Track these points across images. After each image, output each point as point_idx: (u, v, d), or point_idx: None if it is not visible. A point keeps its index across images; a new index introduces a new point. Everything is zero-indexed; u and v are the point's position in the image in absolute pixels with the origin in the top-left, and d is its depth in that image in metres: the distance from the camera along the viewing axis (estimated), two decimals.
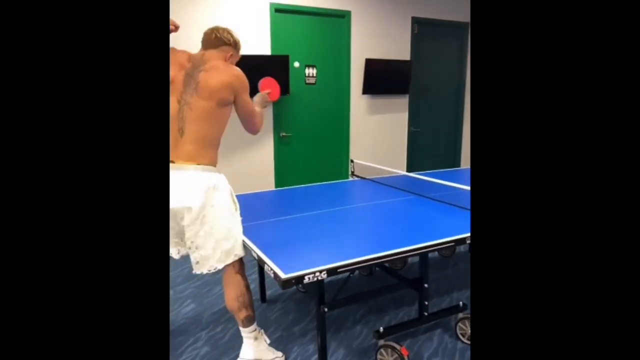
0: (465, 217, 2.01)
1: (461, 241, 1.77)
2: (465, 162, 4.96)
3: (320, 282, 1.73)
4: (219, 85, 1.65)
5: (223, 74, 1.67)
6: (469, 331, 2.09)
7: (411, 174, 2.85)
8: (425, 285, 1.99)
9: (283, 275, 1.40)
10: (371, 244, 1.69)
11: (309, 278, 1.43)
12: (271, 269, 1.47)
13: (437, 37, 4.48)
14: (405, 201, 2.36)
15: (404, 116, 4.41)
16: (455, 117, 4.82)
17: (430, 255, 3.24)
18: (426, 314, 2.02)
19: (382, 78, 4.06)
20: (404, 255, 1.65)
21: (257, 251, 1.63)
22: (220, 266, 1.71)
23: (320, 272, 1.45)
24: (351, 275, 1.69)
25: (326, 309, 1.75)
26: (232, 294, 1.76)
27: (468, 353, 2.02)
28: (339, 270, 1.50)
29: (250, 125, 1.87)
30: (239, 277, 1.77)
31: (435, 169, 3.84)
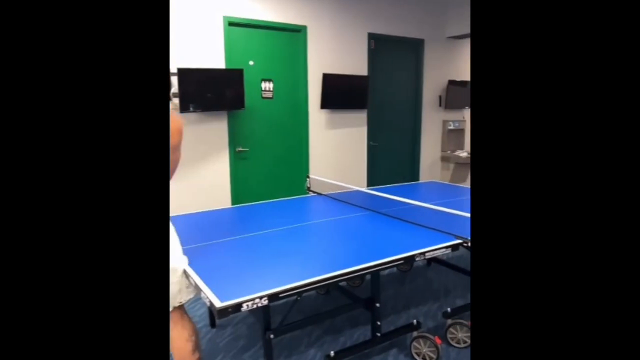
0: (418, 233, 1.99)
1: (411, 258, 1.73)
2: (424, 175, 5.02)
3: (266, 307, 1.64)
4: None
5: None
6: (424, 349, 2.04)
7: (365, 189, 2.82)
8: (377, 304, 1.93)
9: (218, 304, 1.30)
10: (321, 264, 1.62)
11: (247, 306, 1.34)
12: (207, 297, 1.37)
13: (393, 53, 4.54)
14: (360, 217, 2.31)
15: (363, 130, 4.42)
16: (413, 131, 4.88)
17: (388, 270, 3.22)
18: (379, 334, 1.96)
19: (340, 92, 4.06)
20: (352, 275, 1.59)
21: (195, 277, 1.52)
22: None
23: (261, 298, 1.37)
24: (298, 298, 1.61)
25: (272, 336, 1.66)
26: (185, 335, 1.57)
27: None
28: (281, 295, 1.42)
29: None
30: (187, 316, 1.62)
31: (395, 183, 3.85)
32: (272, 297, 1.39)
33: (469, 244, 1.85)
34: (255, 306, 1.36)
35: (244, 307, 1.34)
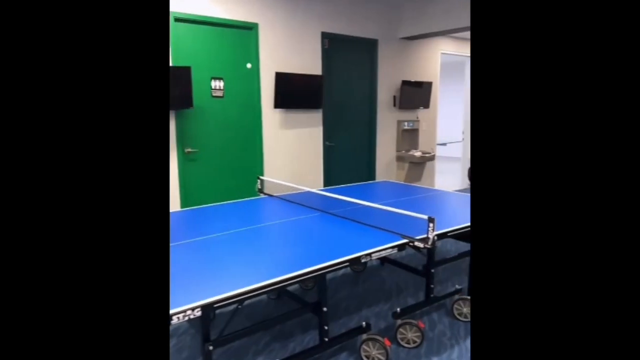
0: (367, 234, 1.96)
1: (357, 260, 1.70)
2: (380, 175, 5.05)
3: (205, 318, 1.55)
4: None
5: None
6: (373, 352, 2.02)
7: (315, 190, 2.78)
8: (324, 308, 1.89)
9: None
10: (265, 269, 1.55)
11: (178, 318, 1.25)
12: None
13: (347, 53, 4.54)
14: (309, 219, 2.26)
15: (319, 130, 4.38)
16: (368, 131, 4.90)
17: (342, 271, 3.19)
18: (327, 339, 1.92)
19: (294, 92, 4.00)
20: (295, 280, 1.53)
21: None
22: None
23: (193, 309, 1.28)
24: (239, 307, 1.53)
25: (211, 347, 1.57)
26: None
27: None
28: (216, 306, 1.33)
29: None
30: None
31: (352, 183, 3.83)
32: (206, 308, 1.31)
33: (415, 244, 1.84)
34: (187, 318, 1.27)
35: (175, 320, 1.25)
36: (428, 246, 1.80)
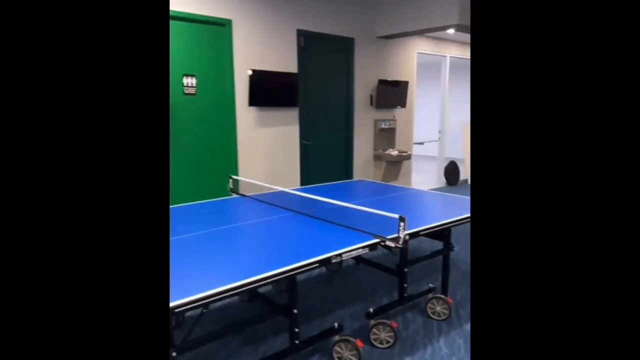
0: (339, 234, 1.93)
1: (327, 261, 1.66)
2: (357, 174, 5.04)
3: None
4: None
5: None
6: (346, 353, 1.99)
7: (288, 190, 2.73)
8: (295, 311, 1.85)
9: None
10: (233, 271, 1.50)
11: None
12: None
13: (324, 51, 4.50)
14: (282, 219, 2.21)
15: (295, 129, 4.33)
16: (346, 130, 4.89)
17: (317, 271, 3.16)
18: (297, 342, 1.88)
19: (269, 90, 3.94)
20: (265, 282, 1.48)
21: None
22: None
23: None
24: (205, 310, 1.48)
25: (175, 354, 1.51)
26: None
27: None
28: (182, 309, 1.27)
29: None
30: None
31: (329, 182, 3.80)
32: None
33: (386, 243, 1.82)
34: None
35: None
36: (399, 245, 1.78)
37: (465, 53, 6.58)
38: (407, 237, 1.90)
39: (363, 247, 1.77)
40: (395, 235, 1.82)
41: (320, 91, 4.55)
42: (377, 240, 1.82)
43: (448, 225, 2.16)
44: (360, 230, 1.95)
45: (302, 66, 4.27)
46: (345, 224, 2.07)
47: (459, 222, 2.21)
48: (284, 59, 4.10)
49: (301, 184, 4.45)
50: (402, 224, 1.77)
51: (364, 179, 4.69)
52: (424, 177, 7.04)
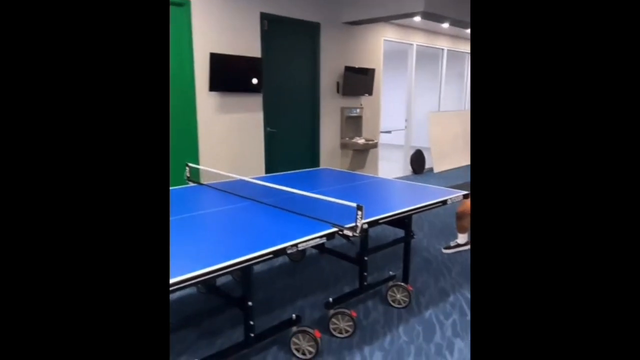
0: (297, 223, 1.87)
1: (282, 251, 1.60)
2: (324, 162, 4.99)
3: None
4: None
5: None
6: (304, 344, 1.95)
7: (247, 178, 2.64)
8: (250, 303, 1.78)
9: None
10: (185, 263, 1.41)
11: None
12: None
13: (289, 35, 4.39)
14: (239, 209, 2.13)
15: (259, 116, 4.22)
16: (312, 118, 4.81)
17: (280, 261, 3.10)
18: (252, 335, 1.82)
19: (231, 74, 3.80)
20: (218, 274, 1.40)
21: None
22: None
23: None
24: None
25: None
26: None
27: None
28: None
29: None
30: None
31: (295, 170, 3.72)
32: None
33: (344, 232, 1.78)
34: None
35: None
36: (356, 234, 1.74)
37: (431, 41, 6.61)
38: (366, 225, 1.87)
39: (320, 237, 1.72)
40: (353, 224, 1.78)
41: (285, 77, 4.44)
42: (335, 229, 1.78)
43: (409, 213, 2.15)
44: (320, 220, 1.90)
45: (266, 51, 4.15)
46: (306, 214, 2.01)
47: (419, 210, 2.20)
48: (246, 43, 3.96)
49: (266, 172, 4.36)
50: (359, 212, 1.73)
51: (330, 167, 4.65)
52: (390, 165, 7.09)
